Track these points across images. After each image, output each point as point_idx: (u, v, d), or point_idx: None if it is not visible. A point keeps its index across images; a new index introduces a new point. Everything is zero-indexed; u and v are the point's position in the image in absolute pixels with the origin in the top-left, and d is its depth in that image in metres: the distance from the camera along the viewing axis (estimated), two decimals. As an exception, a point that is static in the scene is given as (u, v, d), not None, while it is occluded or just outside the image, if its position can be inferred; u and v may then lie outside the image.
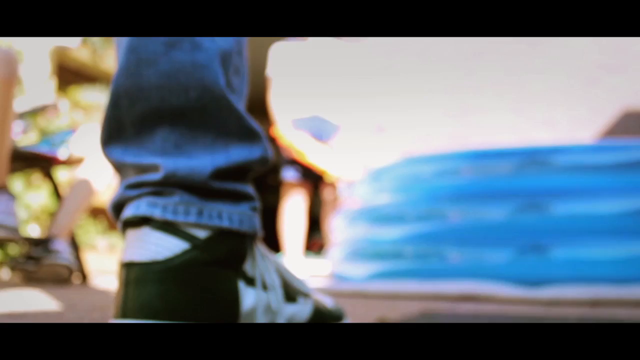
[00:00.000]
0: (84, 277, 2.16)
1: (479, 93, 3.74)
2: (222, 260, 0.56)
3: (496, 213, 2.21)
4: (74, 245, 2.13)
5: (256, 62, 5.26)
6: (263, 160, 0.60)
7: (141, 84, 0.56)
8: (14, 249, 2.45)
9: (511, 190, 2.21)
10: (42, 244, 1.97)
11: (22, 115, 2.25)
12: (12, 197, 1.94)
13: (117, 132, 0.59)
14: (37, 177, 2.87)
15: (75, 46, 3.28)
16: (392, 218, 2.45)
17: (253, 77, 4.42)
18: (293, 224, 3.17)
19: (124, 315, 0.54)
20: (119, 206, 0.60)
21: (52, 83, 2.86)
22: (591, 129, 3.45)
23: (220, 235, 0.56)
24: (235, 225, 0.57)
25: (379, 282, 2.23)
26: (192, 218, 0.55)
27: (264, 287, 0.61)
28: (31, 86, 2.21)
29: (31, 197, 2.82)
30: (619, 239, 2.03)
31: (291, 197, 3.20)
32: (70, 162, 2.15)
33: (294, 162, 3.20)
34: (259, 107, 5.63)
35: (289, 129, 3.19)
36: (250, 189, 0.60)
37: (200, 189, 0.56)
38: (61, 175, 2.87)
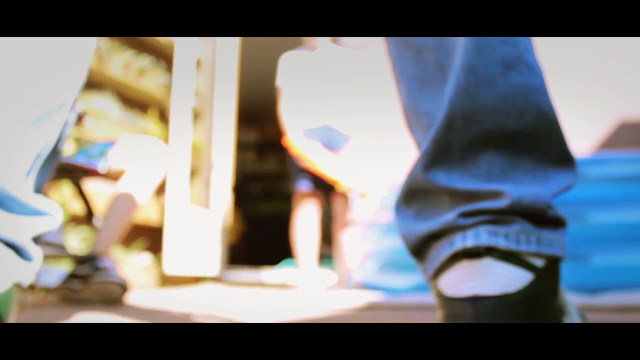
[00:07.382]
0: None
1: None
2: (554, 289, 0.56)
3: (534, 223, 2.25)
4: (110, 262, 2.04)
5: (264, 68, 5.17)
6: (573, 186, 0.60)
7: (478, 106, 0.55)
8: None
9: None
10: (89, 261, 1.88)
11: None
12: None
13: (443, 156, 0.57)
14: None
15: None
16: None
17: (262, 84, 4.32)
18: (306, 235, 3.14)
19: None
20: (437, 235, 0.58)
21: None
22: (589, 141, 3.57)
23: (553, 264, 0.56)
24: (562, 253, 0.56)
25: (422, 293, 2.23)
26: (533, 247, 0.54)
27: (571, 315, 0.60)
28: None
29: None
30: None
31: (303, 207, 3.17)
32: (110, 175, 2.06)
33: (305, 172, 3.17)
34: (269, 115, 5.54)
35: (300, 139, 3.16)
36: (561, 212, 0.60)
37: (537, 216, 0.56)
38: (97, 188, 2.75)
